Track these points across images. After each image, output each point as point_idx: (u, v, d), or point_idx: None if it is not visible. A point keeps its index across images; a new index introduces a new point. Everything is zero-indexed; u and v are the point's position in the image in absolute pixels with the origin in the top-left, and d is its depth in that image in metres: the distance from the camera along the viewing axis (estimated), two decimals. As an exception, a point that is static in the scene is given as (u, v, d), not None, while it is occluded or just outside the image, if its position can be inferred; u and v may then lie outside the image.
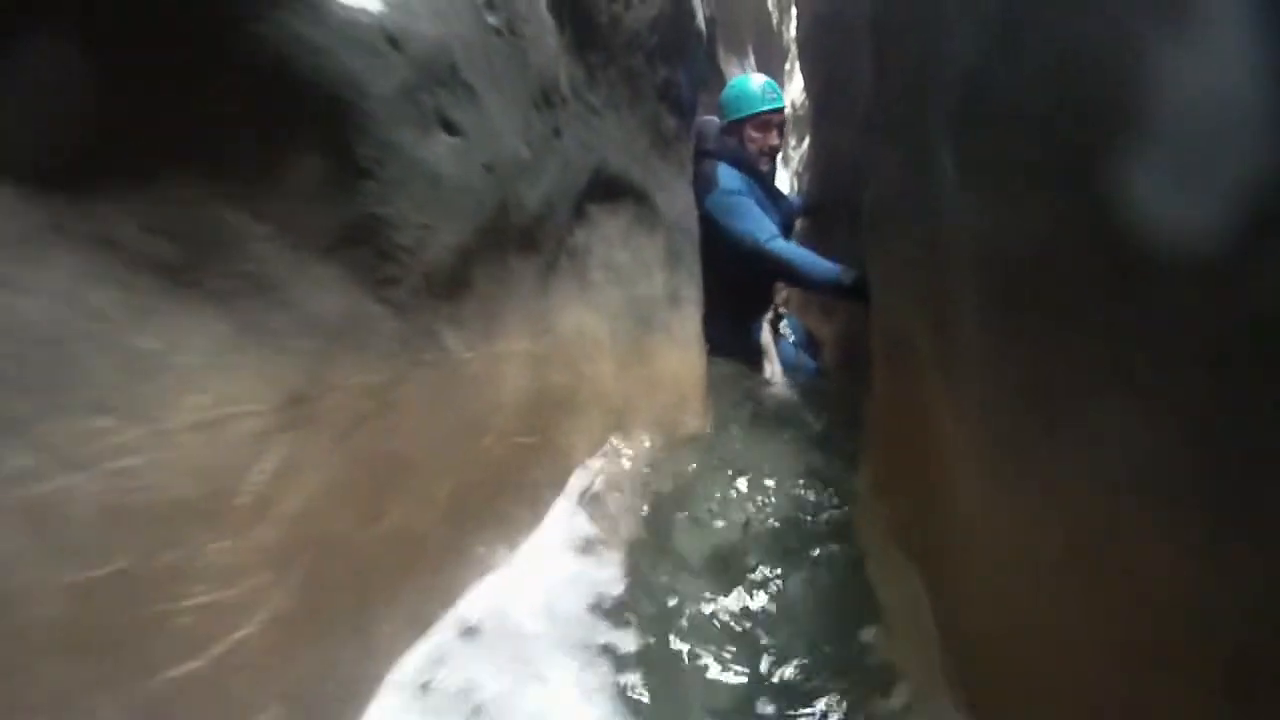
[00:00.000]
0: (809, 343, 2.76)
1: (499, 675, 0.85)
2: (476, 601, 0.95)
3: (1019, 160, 0.86)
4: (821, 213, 3.09)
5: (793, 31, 5.16)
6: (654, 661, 1.01)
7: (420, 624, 0.89)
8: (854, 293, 2.17)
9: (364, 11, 0.80)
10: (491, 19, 1.15)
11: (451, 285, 0.94)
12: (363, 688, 0.80)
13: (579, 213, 1.51)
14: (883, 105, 1.76)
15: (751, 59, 4.78)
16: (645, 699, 0.94)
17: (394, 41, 0.84)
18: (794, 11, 4.85)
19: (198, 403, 0.62)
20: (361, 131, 0.76)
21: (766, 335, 2.50)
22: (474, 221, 0.98)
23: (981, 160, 0.99)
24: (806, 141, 4.76)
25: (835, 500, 1.60)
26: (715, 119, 2.67)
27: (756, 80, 2.73)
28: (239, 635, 0.66)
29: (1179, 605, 0.61)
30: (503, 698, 0.83)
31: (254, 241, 0.66)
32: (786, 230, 2.76)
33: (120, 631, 0.59)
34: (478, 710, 0.81)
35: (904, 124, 1.45)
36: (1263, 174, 0.51)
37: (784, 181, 5.51)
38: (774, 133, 2.66)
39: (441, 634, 0.88)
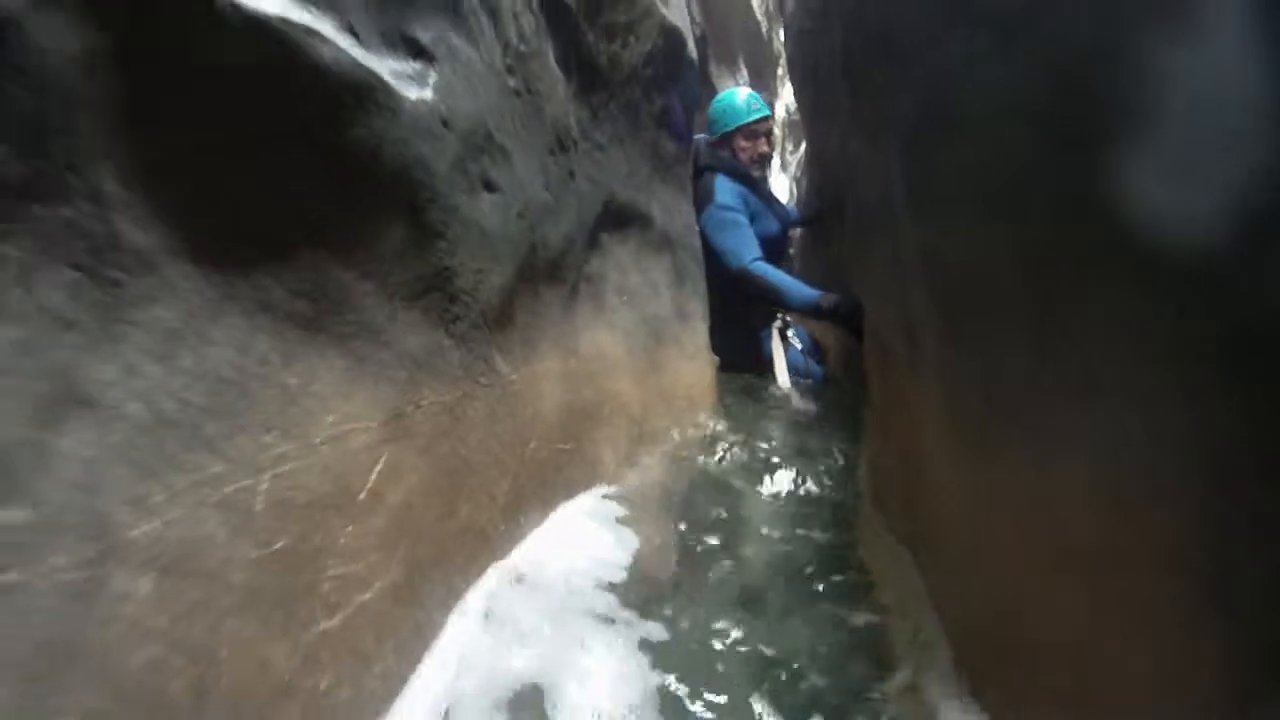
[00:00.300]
0: (815, 350, 2.97)
1: (538, 611, 1.10)
2: (523, 562, 1.19)
3: (976, 164, 0.99)
4: (819, 222, 3.31)
5: (782, 37, 5.39)
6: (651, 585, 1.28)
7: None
8: (832, 315, 2.39)
9: (424, 102, 1.03)
10: (512, 83, 1.38)
11: (499, 318, 1.16)
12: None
13: (593, 243, 1.73)
14: (858, 120, 1.97)
15: (743, 70, 5.03)
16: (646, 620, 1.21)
17: (446, 123, 1.07)
18: (783, 20, 5.09)
19: (329, 422, 0.85)
20: (431, 201, 0.99)
21: (775, 344, 2.72)
22: (513, 263, 1.21)
23: (935, 166, 1.13)
24: (803, 147, 4.99)
25: (836, 495, 1.81)
26: (704, 137, 2.90)
27: (741, 93, 2.99)
28: (362, 600, 0.88)
29: (1171, 597, 0.64)
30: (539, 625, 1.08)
31: (361, 296, 0.89)
32: (783, 234, 2.98)
33: (284, 595, 0.81)
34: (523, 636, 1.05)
35: (874, 137, 1.65)
36: (1256, 174, 0.52)
37: (783, 185, 5.74)
38: (762, 140, 2.90)
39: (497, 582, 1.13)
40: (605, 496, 1.51)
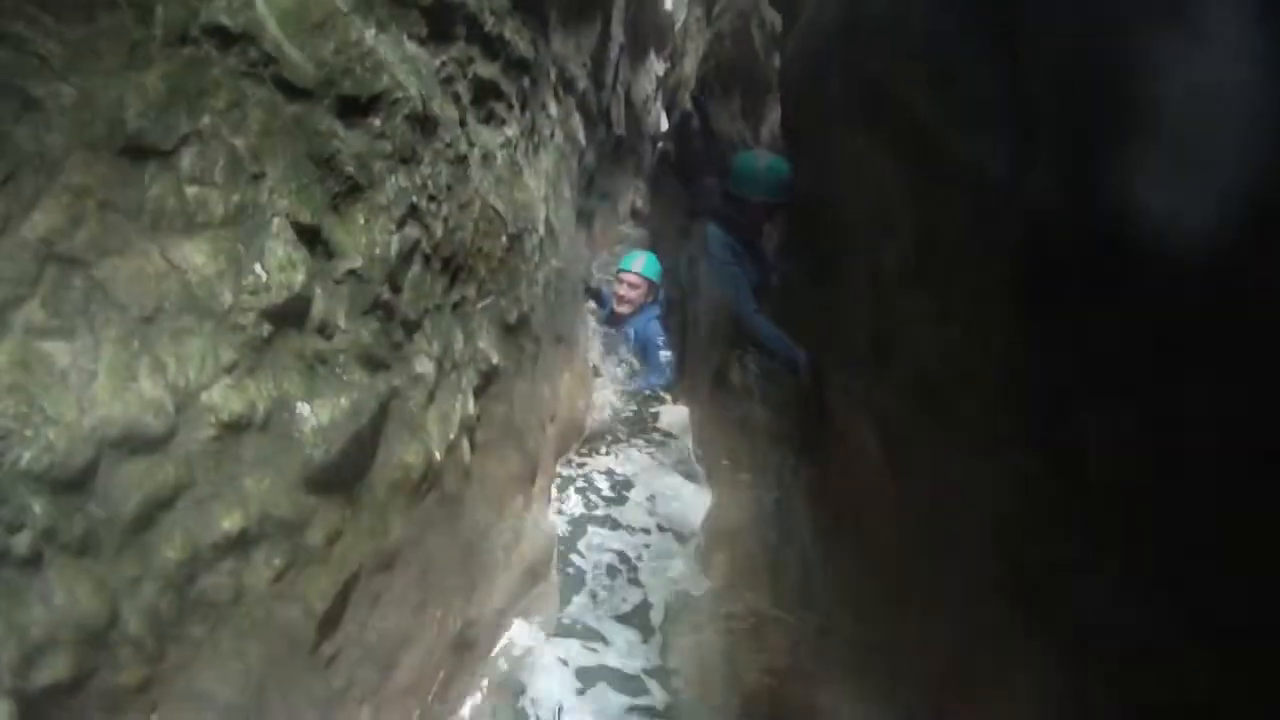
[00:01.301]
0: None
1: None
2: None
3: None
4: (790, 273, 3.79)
5: (777, 63, 6.02)
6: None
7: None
8: (799, 370, 2.88)
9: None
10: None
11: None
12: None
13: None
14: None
15: (737, 99, 5.67)
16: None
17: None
18: (779, 53, 5.71)
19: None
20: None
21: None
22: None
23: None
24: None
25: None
26: (713, 181, 3.35)
27: (766, 165, 3.26)
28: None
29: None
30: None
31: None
32: (760, 280, 3.34)
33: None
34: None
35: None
36: (1260, 174, 0.51)
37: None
38: (773, 216, 3.29)
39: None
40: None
